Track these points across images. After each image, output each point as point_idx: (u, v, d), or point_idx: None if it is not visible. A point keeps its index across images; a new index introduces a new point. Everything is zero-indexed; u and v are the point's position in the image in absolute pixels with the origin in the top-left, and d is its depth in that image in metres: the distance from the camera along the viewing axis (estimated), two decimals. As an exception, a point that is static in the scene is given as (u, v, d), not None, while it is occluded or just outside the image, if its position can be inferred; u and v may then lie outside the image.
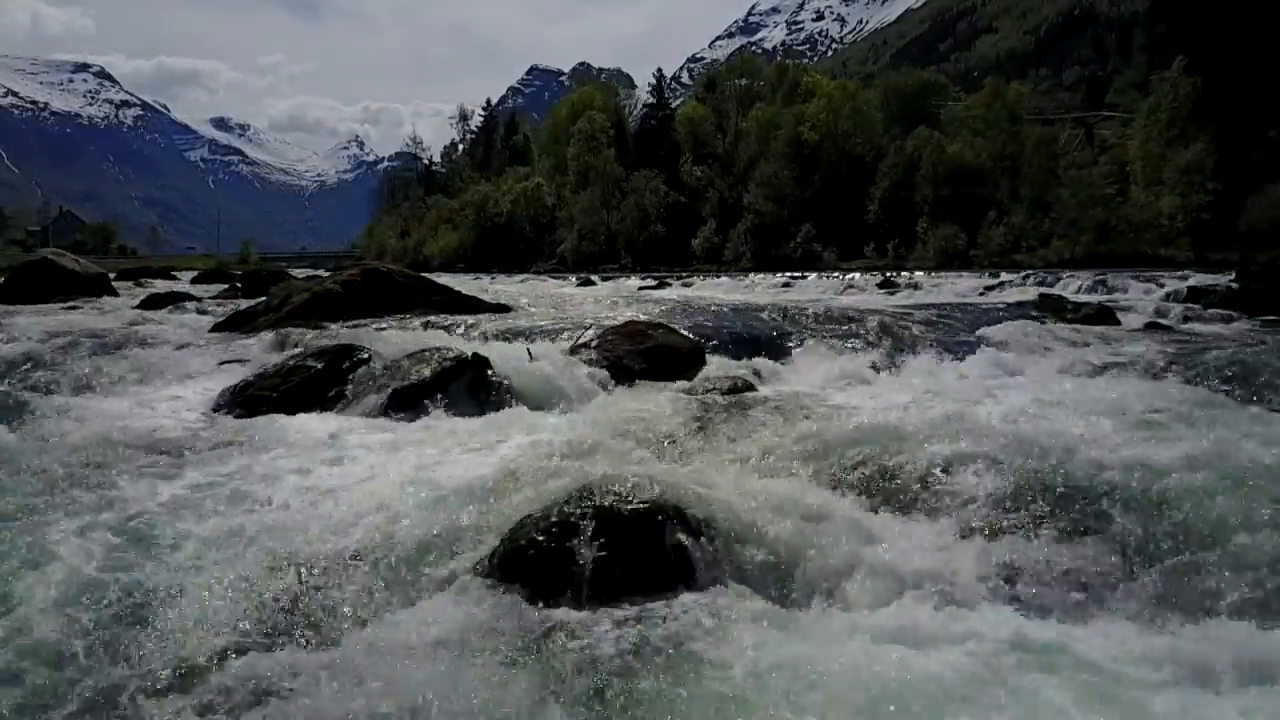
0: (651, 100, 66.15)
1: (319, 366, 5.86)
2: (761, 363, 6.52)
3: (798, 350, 6.92)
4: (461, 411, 5.11)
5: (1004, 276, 20.88)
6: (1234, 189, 29.99)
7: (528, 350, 6.28)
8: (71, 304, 13.24)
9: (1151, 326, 9.07)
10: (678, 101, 79.81)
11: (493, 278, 35.60)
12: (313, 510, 3.18)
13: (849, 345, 7.03)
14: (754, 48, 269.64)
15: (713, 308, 10.61)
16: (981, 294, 16.32)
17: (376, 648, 2.24)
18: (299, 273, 24.45)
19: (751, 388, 5.52)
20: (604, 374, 5.78)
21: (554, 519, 2.73)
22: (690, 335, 7.06)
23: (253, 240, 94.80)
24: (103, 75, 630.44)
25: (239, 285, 17.74)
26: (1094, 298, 13.71)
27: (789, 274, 27.57)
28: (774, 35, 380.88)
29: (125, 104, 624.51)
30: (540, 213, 61.52)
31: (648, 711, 1.98)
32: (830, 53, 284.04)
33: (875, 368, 6.37)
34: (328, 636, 2.39)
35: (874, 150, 47.68)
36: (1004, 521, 2.93)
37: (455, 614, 2.42)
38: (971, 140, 43.14)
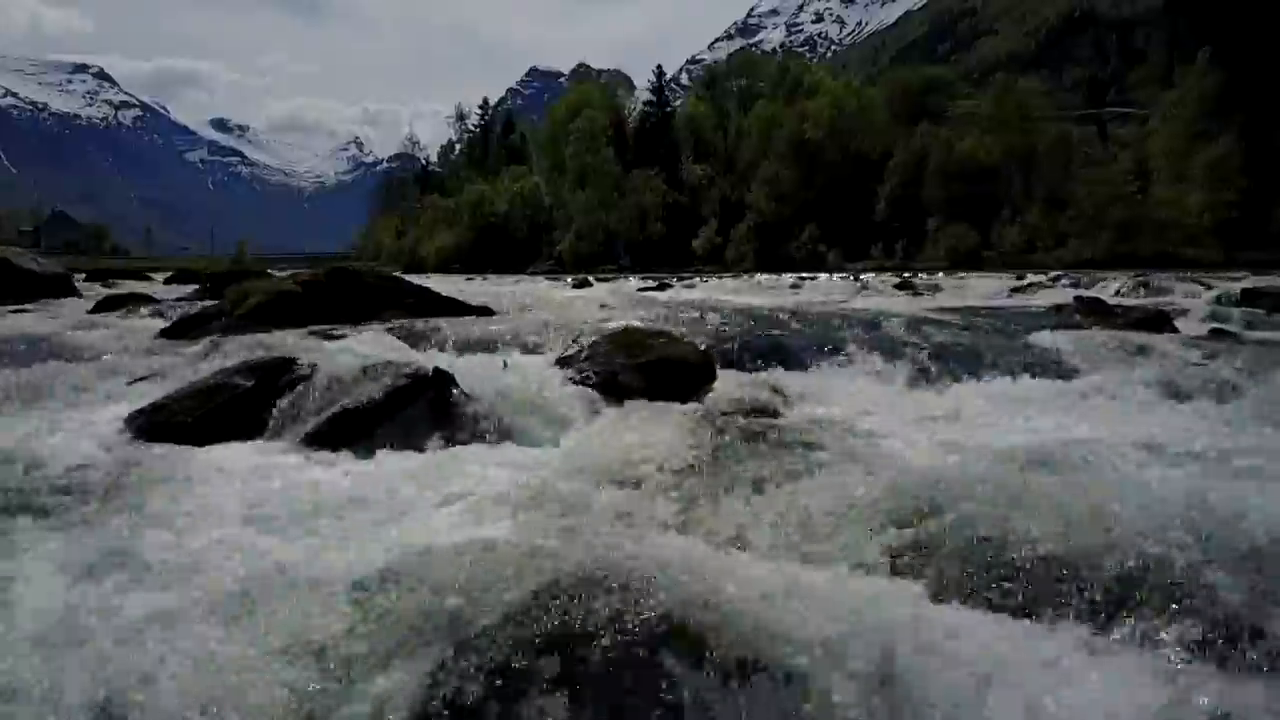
0: (651, 99, 65.29)
1: (248, 385, 4.77)
2: (783, 377, 5.48)
3: (825, 363, 5.87)
4: (415, 443, 4.06)
5: (1030, 278, 19.97)
6: (1263, 187, 28.96)
7: (503, 361, 5.25)
8: (23, 306, 12.32)
9: (1217, 333, 8.04)
10: (677, 102, 78.99)
11: (485, 278, 34.61)
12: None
13: (883, 356, 5.97)
14: (753, 49, 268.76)
15: (719, 311, 9.53)
16: (1009, 296, 15.46)
17: None
18: (293, 273, 23.34)
19: (776, 413, 4.47)
20: (594, 394, 4.74)
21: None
22: (696, 344, 6.00)
23: (249, 241, 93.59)
24: (102, 76, 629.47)
25: (208, 286, 16.69)
26: (1136, 300, 12.70)
27: (797, 275, 26.63)
28: (773, 37, 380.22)
29: (124, 105, 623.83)
30: (537, 213, 60.57)
31: None
32: (829, 55, 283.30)
33: (922, 384, 5.33)
34: None
35: (879, 148, 46.69)
36: (1210, 646, 1.87)
37: None
38: (981, 137, 42.15)
